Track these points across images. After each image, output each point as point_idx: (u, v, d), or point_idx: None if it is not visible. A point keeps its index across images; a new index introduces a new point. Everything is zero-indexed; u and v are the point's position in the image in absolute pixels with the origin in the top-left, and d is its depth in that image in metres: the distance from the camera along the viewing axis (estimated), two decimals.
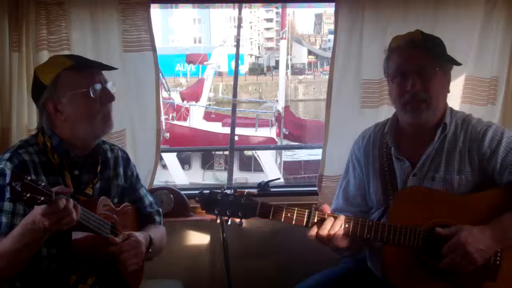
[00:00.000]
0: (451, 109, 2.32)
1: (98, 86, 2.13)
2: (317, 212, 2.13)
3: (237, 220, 2.14)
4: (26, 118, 2.82)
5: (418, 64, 2.17)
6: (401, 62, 2.21)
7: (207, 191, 2.17)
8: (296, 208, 2.14)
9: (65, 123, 2.13)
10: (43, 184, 1.68)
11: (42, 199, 1.67)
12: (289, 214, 2.13)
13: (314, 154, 12.82)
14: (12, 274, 1.93)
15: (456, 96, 3.01)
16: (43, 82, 2.11)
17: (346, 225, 2.12)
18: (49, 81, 2.10)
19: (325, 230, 2.10)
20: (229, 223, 2.15)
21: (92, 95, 2.10)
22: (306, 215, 2.13)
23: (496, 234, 2.05)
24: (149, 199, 2.49)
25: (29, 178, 1.66)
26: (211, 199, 2.14)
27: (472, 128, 2.24)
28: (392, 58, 2.25)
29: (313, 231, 2.12)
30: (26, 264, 1.91)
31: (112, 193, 2.28)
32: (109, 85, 2.19)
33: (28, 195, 1.64)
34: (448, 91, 2.29)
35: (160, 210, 2.55)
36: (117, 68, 2.29)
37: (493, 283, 2.09)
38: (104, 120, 2.15)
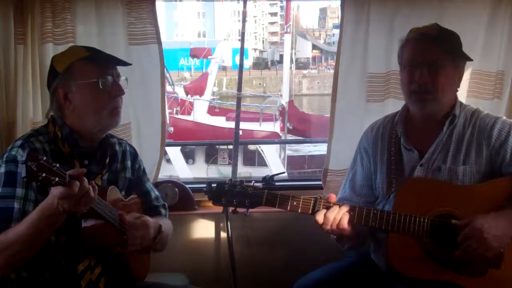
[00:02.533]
0: (461, 103, 2.35)
1: (109, 79, 2.14)
2: (322, 201, 2.16)
3: (244, 210, 2.17)
4: (31, 111, 2.81)
5: (428, 57, 2.21)
6: (412, 53, 2.26)
7: (215, 185, 2.19)
8: (302, 197, 2.17)
9: (73, 112, 2.14)
10: (57, 165, 1.69)
11: (56, 180, 1.68)
12: (295, 203, 2.17)
13: (318, 149, 12.83)
14: (26, 259, 1.94)
15: (462, 90, 2.98)
16: (57, 69, 2.15)
17: (351, 213, 2.15)
18: (62, 69, 2.13)
19: (331, 215, 2.13)
20: (236, 214, 2.18)
21: (101, 86, 2.11)
22: (312, 203, 2.16)
23: (509, 222, 2.07)
24: (155, 193, 2.51)
25: (44, 158, 1.67)
26: (218, 189, 2.17)
27: (480, 121, 2.27)
28: (406, 48, 2.30)
29: (320, 216, 2.14)
30: (39, 248, 1.93)
31: (119, 185, 2.30)
32: (122, 80, 2.21)
33: (43, 175, 1.65)
34: (458, 86, 2.32)
35: (166, 204, 2.56)
36: (130, 64, 2.30)
37: (497, 270, 2.10)
38: (111, 114, 2.16)
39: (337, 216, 2.14)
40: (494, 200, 2.13)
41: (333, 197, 2.20)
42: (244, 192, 2.15)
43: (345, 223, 2.14)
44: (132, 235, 2.09)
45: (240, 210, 2.19)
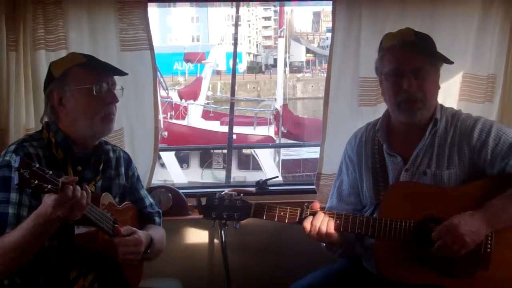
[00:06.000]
0: (441, 105, 2.35)
1: (103, 86, 2.15)
2: (309, 210, 2.17)
3: (234, 222, 2.20)
4: (23, 118, 2.82)
5: (414, 64, 2.19)
6: (397, 62, 2.22)
7: (204, 198, 2.22)
8: (288, 208, 2.18)
9: (67, 117, 2.16)
10: (50, 172, 1.71)
11: (49, 187, 1.69)
12: (282, 213, 2.18)
13: (313, 152, 12.82)
14: (22, 265, 1.94)
15: (453, 94, 3.02)
16: (53, 74, 2.17)
17: (338, 221, 2.16)
18: (58, 74, 2.15)
19: (317, 221, 2.15)
20: (226, 227, 2.20)
21: (95, 92, 2.12)
22: (298, 213, 2.17)
23: (487, 218, 2.07)
24: (149, 200, 2.51)
25: (37, 165, 1.68)
26: (208, 204, 2.19)
27: (461, 122, 2.27)
28: (387, 57, 2.26)
29: (307, 223, 2.16)
30: (35, 254, 1.93)
31: (113, 192, 2.30)
32: (117, 89, 2.22)
33: (36, 182, 1.66)
34: (439, 87, 2.31)
35: (160, 211, 2.56)
36: (127, 74, 2.31)
37: (485, 271, 2.11)
38: (104, 121, 2.16)
39: (323, 222, 2.14)
40: (479, 202, 2.13)
41: (317, 205, 2.20)
42: (233, 205, 2.17)
43: (332, 230, 2.15)
44: (122, 252, 2.08)
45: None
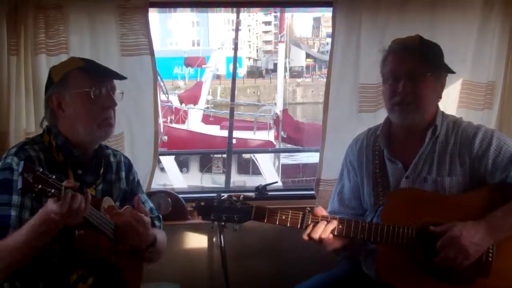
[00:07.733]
0: (442, 113, 2.36)
1: (102, 90, 2.15)
2: (311, 215, 2.17)
3: (234, 224, 2.18)
4: (24, 122, 2.83)
5: (410, 69, 2.21)
6: (394, 65, 2.26)
7: (203, 202, 2.21)
8: (290, 211, 2.18)
9: (66, 121, 2.16)
10: (53, 177, 1.72)
11: (52, 191, 1.71)
12: (283, 217, 2.17)
13: (313, 157, 12.85)
14: (24, 265, 1.95)
15: (453, 101, 3.03)
16: (53, 78, 2.18)
17: (340, 227, 2.16)
18: (57, 78, 2.16)
19: (317, 233, 2.14)
20: (225, 229, 2.19)
21: (93, 96, 2.12)
22: (300, 217, 2.17)
23: (489, 229, 2.08)
24: (149, 204, 2.51)
25: (40, 170, 1.69)
26: (207, 206, 2.18)
27: (462, 130, 2.28)
28: (387, 60, 2.30)
29: (306, 233, 2.15)
30: (36, 254, 1.94)
31: (114, 196, 2.30)
32: (117, 94, 2.22)
33: (39, 186, 1.68)
34: (440, 97, 2.33)
35: (160, 216, 2.56)
36: (126, 78, 2.31)
37: (485, 279, 2.11)
38: (102, 126, 2.16)
39: (326, 231, 2.14)
40: (480, 210, 2.14)
41: (320, 211, 2.20)
42: (233, 208, 2.17)
43: (332, 238, 2.15)
44: (123, 224, 2.09)
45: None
